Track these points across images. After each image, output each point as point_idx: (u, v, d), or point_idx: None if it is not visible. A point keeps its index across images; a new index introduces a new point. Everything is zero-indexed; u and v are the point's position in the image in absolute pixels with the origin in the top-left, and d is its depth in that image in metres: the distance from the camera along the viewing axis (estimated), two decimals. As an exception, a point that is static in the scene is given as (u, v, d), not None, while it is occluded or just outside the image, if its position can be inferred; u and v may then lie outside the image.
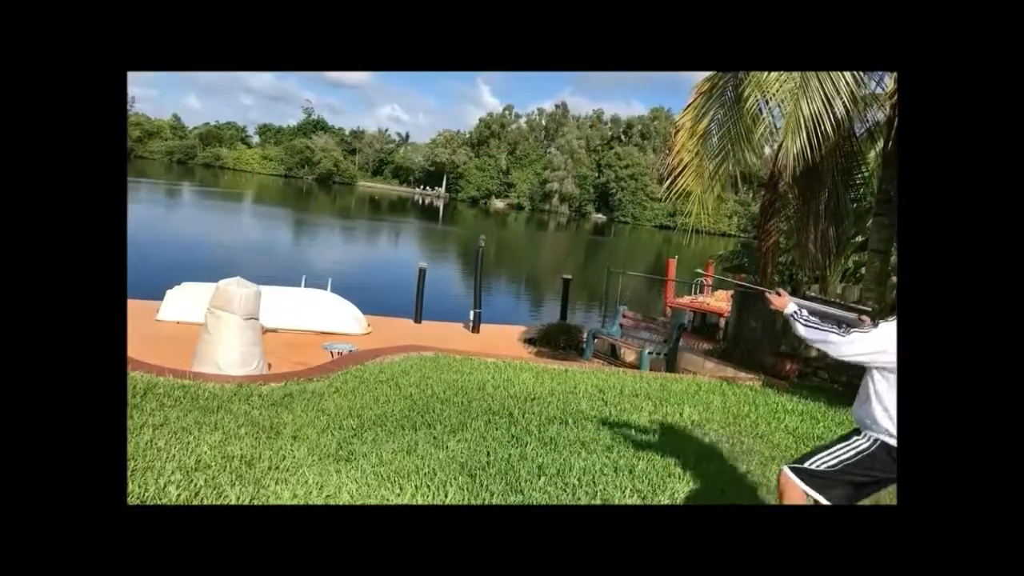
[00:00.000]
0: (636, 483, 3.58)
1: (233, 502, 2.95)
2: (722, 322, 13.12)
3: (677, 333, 9.07)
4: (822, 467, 2.65)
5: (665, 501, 3.42)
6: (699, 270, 11.12)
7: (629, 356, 9.29)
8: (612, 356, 9.58)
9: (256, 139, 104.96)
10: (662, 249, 47.66)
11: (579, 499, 3.34)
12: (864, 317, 2.72)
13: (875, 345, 2.54)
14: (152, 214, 32.64)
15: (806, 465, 2.68)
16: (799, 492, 2.66)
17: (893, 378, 2.54)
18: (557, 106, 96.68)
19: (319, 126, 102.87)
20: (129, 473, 3.09)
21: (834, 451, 2.68)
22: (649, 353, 8.49)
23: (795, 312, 2.71)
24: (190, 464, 3.27)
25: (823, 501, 2.64)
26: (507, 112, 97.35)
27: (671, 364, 8.73)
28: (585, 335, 9.90)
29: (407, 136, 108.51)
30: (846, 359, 2.59)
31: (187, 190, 52.80)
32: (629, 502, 3.38)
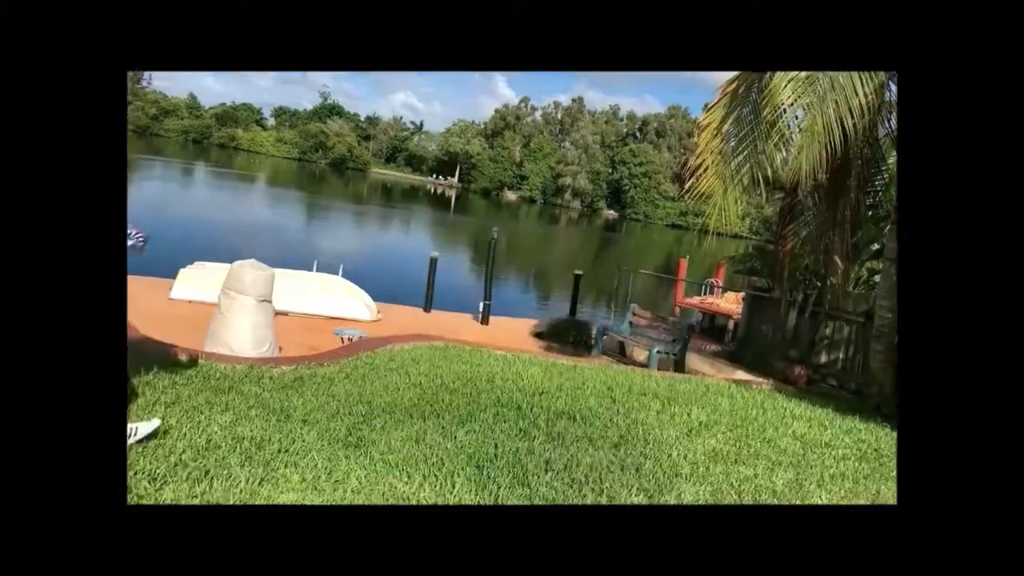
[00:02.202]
0: (642, 482, 3.58)
1: (242, 483, 2.97)
2: (731, 324, 13.08)
3: (686, 333, 9.05)
4: None
5: (672, 501, 3.42)
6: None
7: (639, 355, 9.28)
8: (621, 354, 9.57)
9: (271, 121, 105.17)
10: (673, 248, 47.52)
11: (585, 496, 3.34)
12: None
13: None
14: (167, 192, 32.79)
15: None
16: None
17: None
18: (573, 100, 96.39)
19: (334, 111, 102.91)
20: (140, 450, 3.11)
21: None
22: (658, 352, 8.48)
23: None
24: (201, 443, 3.29)
25: None
26: (523, 104, 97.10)
27: (679, 364, 8.71)
28: (594, 331, 9.90)
29: (421, 124, 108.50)
30: None
31: (202, 170, 52.98)
32: (635, 501, 3.38)
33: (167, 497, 2.78)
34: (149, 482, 2.83)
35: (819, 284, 8.74)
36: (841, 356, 8.44)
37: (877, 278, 8.57)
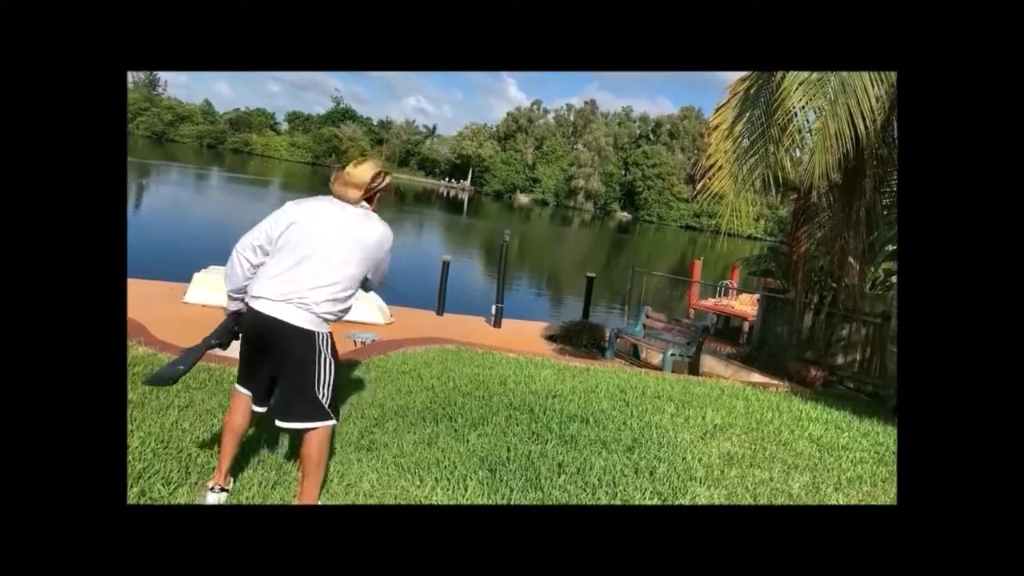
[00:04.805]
0: (656, 485, 3.55)
1: (255, 486, 2.98)
2: (745, 326, 12.99)
3: (701, 336, 8.99)
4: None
5: (685, 505, 3.39)
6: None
7: (653, 357, 9.23)
8: (634, 356, 9.52)
9: (285, 126, 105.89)
10: (687, 250, 47.33)
11: (599, 499, 3.32)
12: None
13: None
14: (182, 197, 33.09)
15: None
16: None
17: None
18: (586, 102, 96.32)
19: (347, 115, 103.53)
20: (153, 454, 3.13)
21: None
22: (672, 355, 8.42)
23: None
24: (214, 447, 3.30)
25: None
26: (535, 107, 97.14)
27: (694, 367, 8.65)
28: (608, 334, 9.85)
29: (434, 128, 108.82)
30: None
31: (216, 174, 53.44)
32: (648, 504, 3.35)
33: (181, 500, 2.79)
34: (163, 485, 2.84)
35: (835, 285, 8.65)
36: (858, 358, 8.34)
37: (894, 279, 8.48)
